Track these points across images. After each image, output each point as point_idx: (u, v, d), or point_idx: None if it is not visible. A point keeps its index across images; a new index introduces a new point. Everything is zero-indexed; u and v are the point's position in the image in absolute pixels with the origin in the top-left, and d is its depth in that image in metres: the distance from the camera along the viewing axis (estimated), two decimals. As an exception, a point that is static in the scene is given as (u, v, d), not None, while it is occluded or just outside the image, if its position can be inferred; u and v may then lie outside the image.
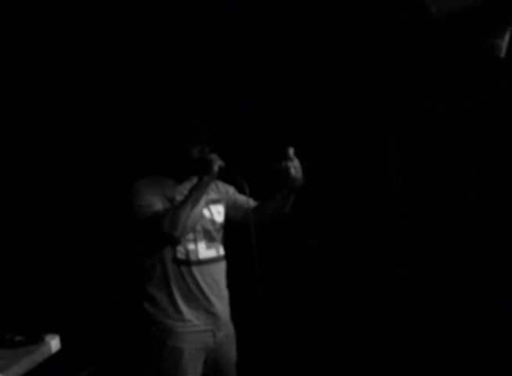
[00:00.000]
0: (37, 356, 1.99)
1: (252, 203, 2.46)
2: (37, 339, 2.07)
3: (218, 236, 2.30)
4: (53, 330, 2.17)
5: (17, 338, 2.04)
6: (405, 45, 2.94)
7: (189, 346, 2.11)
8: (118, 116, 3.27)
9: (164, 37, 3.06)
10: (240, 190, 2.40)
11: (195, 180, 2.23)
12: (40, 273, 3.17)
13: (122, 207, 2.18)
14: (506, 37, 2.16)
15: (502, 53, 2.29)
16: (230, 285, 2.30)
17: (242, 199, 2.46)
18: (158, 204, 2.13)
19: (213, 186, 2.38)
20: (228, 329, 2.26)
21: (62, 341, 2.18)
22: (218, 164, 2.16)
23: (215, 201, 2.36)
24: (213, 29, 3.02)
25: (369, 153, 3.23)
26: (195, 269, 2.16)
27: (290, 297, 3.16)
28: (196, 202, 2.12)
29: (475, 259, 2.99)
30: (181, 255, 2.15)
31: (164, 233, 2.05)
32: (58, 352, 2.14)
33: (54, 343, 2.12)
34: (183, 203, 2.11)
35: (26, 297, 3.06)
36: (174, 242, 2.12)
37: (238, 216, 2.45)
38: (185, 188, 2.23)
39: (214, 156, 2.19)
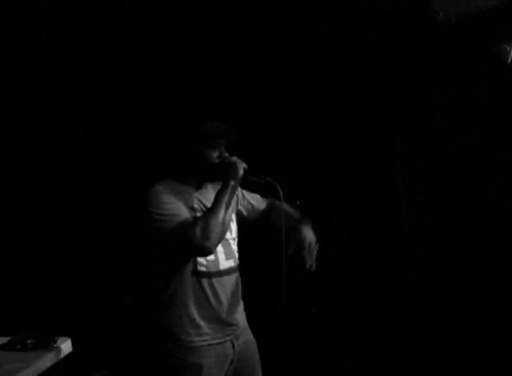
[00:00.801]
0: (49, 360, 1.99)
1: (264, 203, 2.38)
2: (49, 342, 2.06)
3: (234, 244, 2.19)
4: (65, 334, 2.17)
5: (29, 342, 2.04)
6: (412, 49, 2.97)
7: (208, 361, 2.00)
8: (132, 117, 3.27)
9: (182, 34, 3.08)
10: (270, 193, 2.22)
11: (210, 187, 2.15)
12: (52, 277, 3.17)
13: (138, 217, 1.99)
14: None
15: (509, 59, 2.30)
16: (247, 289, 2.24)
17: (256, 200, 2.37)
18: (183, 213, 1.95)
19: None
20: (246, 335, 2.18)
21: (73, 344, 2.18)
22: (242, 166, 2.04)
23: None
24: (234, 28, 3.04)
25: (376, 157, 3.25)
26: (215, 281, 2.03)
27: (296, 299, 3.18)
28: (226, 209, 1.96)
29: (480, 264, 3.01)
30: (201, 267, 2.01)
31: (197, 244, 1.86)
32: (69, 355, 2.14)
33: (65, 346, 2.12)
34: (213, 210, 1.94)
35: (38, 300, 3.06)
36: (207, 253, 1.94)
37: (254, 218, 2.37)
38: (202, 196, 2.11)
39: (236, 158, 2.06)
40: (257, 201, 2.39)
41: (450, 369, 3.04)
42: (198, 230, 1.86)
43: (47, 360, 1.98)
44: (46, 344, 2.05)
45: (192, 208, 2.04)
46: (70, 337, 2.18)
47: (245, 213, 2.35)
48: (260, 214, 2.41)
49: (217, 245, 1.96)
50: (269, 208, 2.41)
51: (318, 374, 3.20)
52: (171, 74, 3.22)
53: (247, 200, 2.38)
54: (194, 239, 1.85)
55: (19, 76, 3.11)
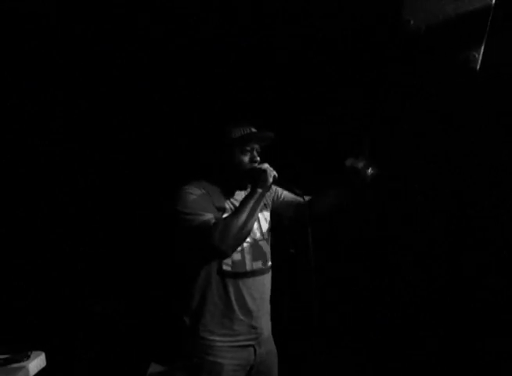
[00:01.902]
0: (23, 374, 1.95)
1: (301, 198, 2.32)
2: (22, 357, 2.02)
3: (265, 244, 2.17)
4: (38, 347, 2.13)
5: (2, 357, 1.99)
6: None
7: (228, 362, 2.00)
8: (133, 116, 3.27)
9: (215, 35, 3.09)
10: None
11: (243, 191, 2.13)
12: (23, 289, 3.13)
13: (166, 214, 2.00)
14: (481, 50, 2.18)
15: (478, 66, 2.29)
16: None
17: (290, 196, 2.37)
18: (207, 213, 1.94)
19: None
20: (269, 346, 2.18)
21: (47, 358, 2.14)
22: (272, 174, 2.02)
23: (262, 208, 2.20)
24: (234, 28, 3.05)
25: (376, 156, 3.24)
26: (240, 282, 2.03)
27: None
28: (249, 215, 1.93)
29: (480, 264, 3.00)
30: (226, 267, 2.01)
31: (213, 245, 1.85)
32: (43, 370, 2.10)
33: (39, 360, 2.09)
34: (235, 215, 1.93)
35: (10, 314, 3.00)
36: (223, 255, 1.95)
37: (289, 212, 2.34)
38: (234, 198, 2.12)
39: (267, 166, 2.04)
40: (294, 197, 2.35)
41: (450, 369, 3.03)
42: (216, 233, 1.85)
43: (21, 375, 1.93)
44: (19, 359, 2.01)
45: (221, 208, 2.04)
46: (43, 350, 2.13)
47: (281, 207, 2.34)
48: (298, 209, 2.34)
49: (234, 250, 1.94)
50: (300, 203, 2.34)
51: (318, 373, 3.19)
52: (173, 74, 3.22)
53: (284, 196, 2.37)
54: (211, 240, 1.85)
55: (19, 76, 3.11)
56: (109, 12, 2.96)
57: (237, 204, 2.09)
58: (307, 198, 2.24)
